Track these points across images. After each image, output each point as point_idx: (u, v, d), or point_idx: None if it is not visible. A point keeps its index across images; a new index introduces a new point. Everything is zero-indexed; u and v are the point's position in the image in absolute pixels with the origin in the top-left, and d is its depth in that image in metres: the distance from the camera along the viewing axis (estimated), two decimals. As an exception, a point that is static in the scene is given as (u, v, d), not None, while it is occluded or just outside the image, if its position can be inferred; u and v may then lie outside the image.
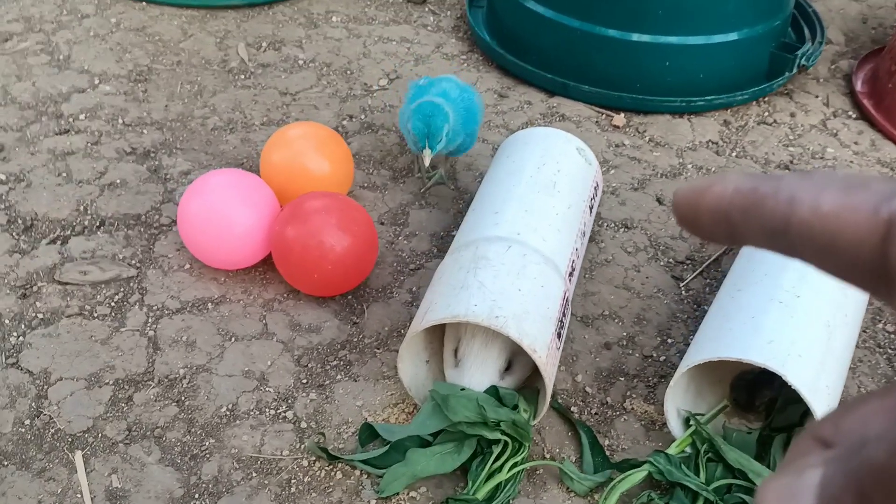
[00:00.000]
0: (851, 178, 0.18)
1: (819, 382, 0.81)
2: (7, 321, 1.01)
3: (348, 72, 1.52)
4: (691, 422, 0.90)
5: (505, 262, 0.88)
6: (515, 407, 0.88)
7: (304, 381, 0.97)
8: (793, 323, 0.85)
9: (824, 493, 0.18)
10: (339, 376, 0.97)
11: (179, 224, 1.05)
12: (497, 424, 0.84)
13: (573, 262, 0.97)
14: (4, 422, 0.90)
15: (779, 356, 0.80)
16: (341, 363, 0.99)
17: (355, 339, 1.02)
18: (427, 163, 1.06)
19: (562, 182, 1.03)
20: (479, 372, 0.88)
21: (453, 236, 1.13)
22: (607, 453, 0.91)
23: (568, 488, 0.88)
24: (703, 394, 0.95)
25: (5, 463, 0.85)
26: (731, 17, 1.46)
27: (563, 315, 0.91)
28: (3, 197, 1.18)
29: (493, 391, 0.88)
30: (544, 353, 0.83)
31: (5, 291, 1.04)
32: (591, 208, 1.06)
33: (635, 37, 1.44)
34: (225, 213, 1.03)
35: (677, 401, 0.91)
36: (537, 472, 0.89)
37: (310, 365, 0.99)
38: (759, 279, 0.92)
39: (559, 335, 0.88)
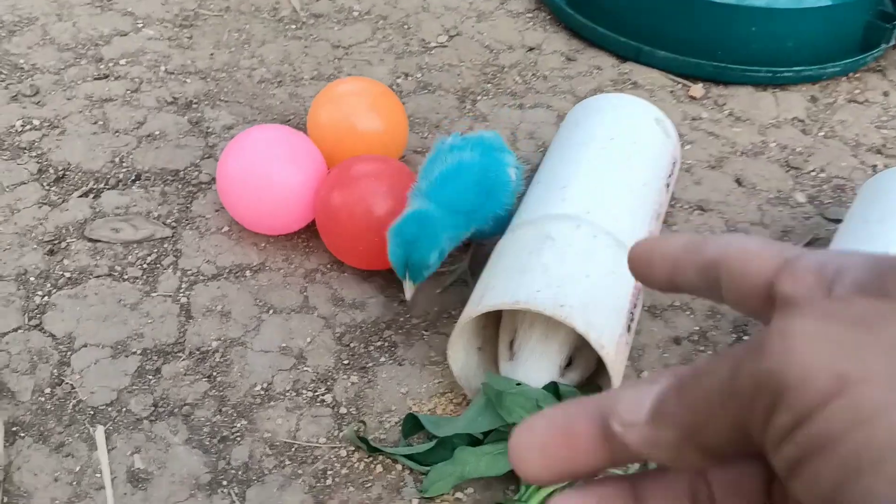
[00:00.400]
0: (768, 239, 0.26)
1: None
2: (32, 279, 0.94)
3: (405, 26, 1.42)
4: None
5: (573, 244, 0.79)
6: (576, 406, 0.79)
7: (346, 361, 0.89)
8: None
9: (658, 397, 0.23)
10: (382, 359, 0.89)
11: (219, 183, 0.98)
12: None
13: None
14: (24, 389, 0.84)
15: None
16: (386, 344, 0.91)
17: (402, 319, 0.93)
18: (409, 296, 0.83)
19: (637, 156, 0.92)
20: (536, 366, 0.79)
21: (513, 212, 1.03)
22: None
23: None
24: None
25: (22, 434, 0.79)
26: (828, -20, 1.32)
27: (634, 306, 0.81)
28: (36, 144, 1.11)
29: (552, 388, 0.79)
30: (612, 348, 0.74)
31: (32, 247, 0.98)
32: (667, 186, 0.95)
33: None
34: (267, 173, 0.95)
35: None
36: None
37: (352, 344, 0.91)
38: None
39: (629, 328, 0.79)
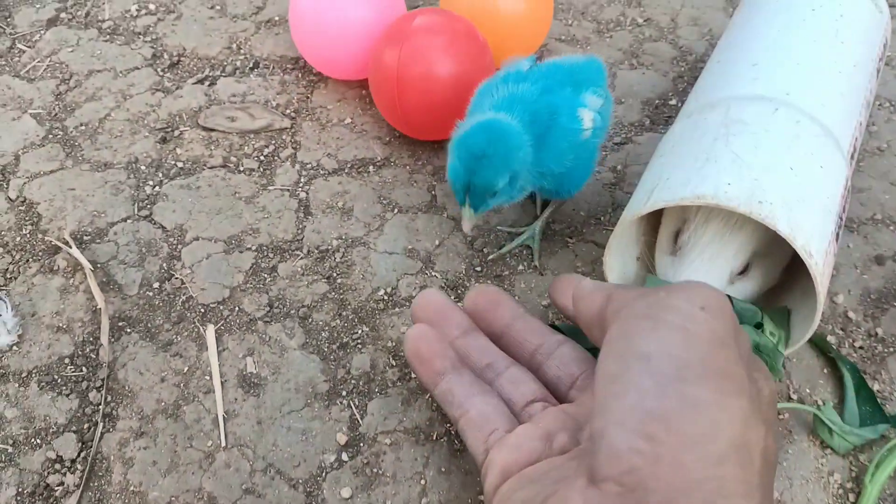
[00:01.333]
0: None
1: None
2: (143, 167, 0.87)
3: None
4: None
5: (770, 130, 0.63)
6: (759, 326, 0.65)
7: (479, 268, 0.78)
8: None
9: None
10: (520, 267, 0.77)
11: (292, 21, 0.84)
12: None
13: (856, 139, 0.70)
14: (131, 282, 0.77)
15: None
16: (524, 251, 0.79)
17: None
18: (467, 228, 0.65)
19: (845, 31, 0.75)
20: (704, 268, 0.64)
21: (674, 106, 0.88)
22: (879, 402, 0.67)
23: (823, 443, 0.65)
24: None
25: (128, 330, 0.72)
26: None
27: (843, 209, 0.65)
28: (151, 29, 1.03)
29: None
30: (821, 258, 0.59)
31: (144, 134, 0.91)
32: (877, 71, 0.77)
33: None
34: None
35: None
36: (781, 418, 0.67)
37: (485, 250, 0.79)
38: None
39: (837, 236, 0.63)
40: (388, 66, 0.81)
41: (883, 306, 0.75)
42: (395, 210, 0.83)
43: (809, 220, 0.59)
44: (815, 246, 0.59)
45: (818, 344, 0.71)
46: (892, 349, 0.72)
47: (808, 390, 0.69)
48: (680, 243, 0.66)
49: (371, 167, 0.87)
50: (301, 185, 0.85)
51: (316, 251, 0.79)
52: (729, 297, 0.65)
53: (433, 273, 0.77)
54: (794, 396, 0.68)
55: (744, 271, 0.67)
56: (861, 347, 0.72)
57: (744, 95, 0.67)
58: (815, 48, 0.72)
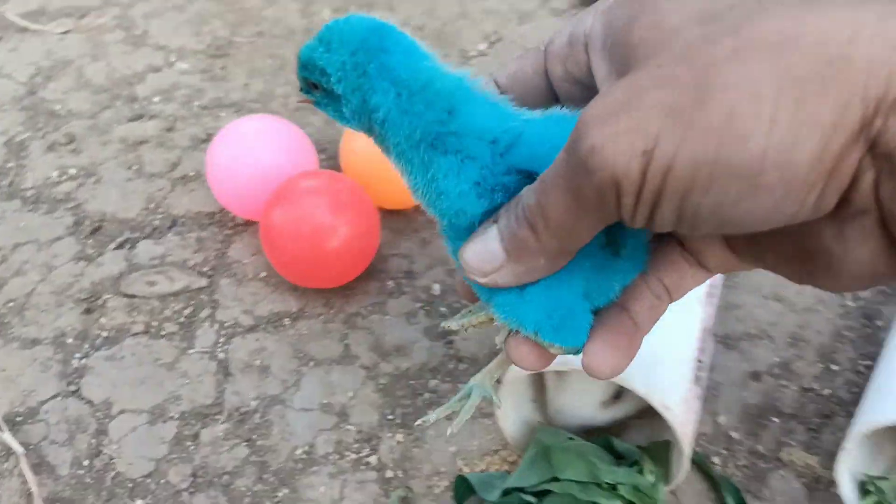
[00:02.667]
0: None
1: None
2: (70, 340, 0.92)
3: (443, 35, 1.35)
4: (870, 487, 0.71)
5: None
6: (635, 464, 0.71)
7: (390, 417, 0.83)
8: None
9: (501, 229, 0.29)
10: (429, 411, 0.83)
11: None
12: (613, 488, 0.68)
13: (713, 278, 0.78)
14: (62, 462, 0.81)
15: None
16: (433, 396, 0.85)
17: (450, 365, 0.87)
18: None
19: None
20: (577, 395, 0.73)
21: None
22: (759, 518, 0.74)
23: (709, 567, 0.71)
24: (883, 446, 0.75)
25: (58, 516, 0.76)
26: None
27: (702, 350, 0.72)
28: (72, 195, 1.09)
29: (605, 442, 0.72)
30: (680, 407, 0.66)
31: (69, 306, 0.95)
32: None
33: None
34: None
35: (849, 461, 0.72)
36: (670, 544, 0.73)
37: (397, 395, 0.85)
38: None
39: (697, 378, 0.70)
40: (275, 225, 0.87)
41: (761, 422, 0.82)
42: (311, 363, 0.88)
43: (665, 375, 0.66)
44: (673, 398, 0.65)
45: (702, 467, 0.78)
46: (771, 465, 0.79)
47: (695, 513, 0.75)
48: (563, 374, 0.73)
49: (287, 320, 0.93)
50: (220, 345, 0.91)
51: (236, 413, 0.84)
52: (609, 437, 0.72)
53: (348, 426, 0.83)
54: (682, 521, 0.74)
55: (617, 397, 0.75)
56: (744, 465, 0.79)
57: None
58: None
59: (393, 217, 1.02)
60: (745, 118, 0.23)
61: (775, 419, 0.82)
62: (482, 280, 0.30)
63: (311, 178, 0.89)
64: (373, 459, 0.80)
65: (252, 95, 1.25)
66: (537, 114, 0.31)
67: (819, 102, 0.22)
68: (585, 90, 0.31)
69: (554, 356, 0.32)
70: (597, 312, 0.32)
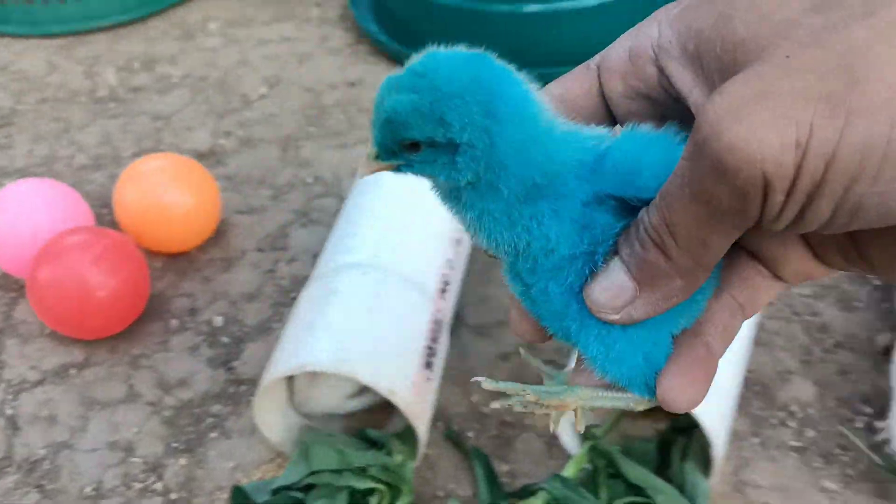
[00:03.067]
0: None
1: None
2: None
3: (225, 84, 1.42)
4: (587, 435, 0.83)
5: (358, 294, 0.80)
6: (384, 447, 0.81)
7: (175, 444, 0.89)
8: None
9: (625, 260, 0.28)
10: (212, 434, 0.90)
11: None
12: (364, 470, 0.77)
13: (445, 275, 0.89)
14: None
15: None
16: (215, 420, 0.91)
17: (231, 390, 0.94)
18: (360, 170, 0.32)
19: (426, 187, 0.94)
20: (328, 389, 0.82)
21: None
22: (507, 480, 0.84)
23: (462, 530, 0.81)
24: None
25: None
26: (620, -28, 1.36)
27: (434, 340, 0.83)
28: None
29: (361, 434, 0.81)
30: (408, 391, 0.75)
31: None
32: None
33: (526, 8, 1.34)
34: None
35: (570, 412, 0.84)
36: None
37: (181, 424, 0.91)
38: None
39: (429, 364, 0.81)
40: (41, 282, 0.92)
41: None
42: (97, 407, 0.93)
43: (392, 364, 0.76)
44: (400, 383, 0.75)
45: (456, 442, 0.88)
46: (518, 431, 0.90)
47: (452, 485, 0.85)
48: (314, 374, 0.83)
49: (73, 370, 0.97)
50: (7, 402, 0.94)
51: (26, 463, 0.88)
52: (364, 429, 0.81)
53: (134, 458, 0.88)
54: (440, 493, 0.84)
55: (362, 392, 0.85)
56: (495, 435, 0.89)
57: (341, 265, 0.84)
58: (399, 209, 0.90)
59: (175, 260, 1.08)
60: None
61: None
62: (614, 317, 0.29)
63: (75, 234, 0.94)
64: (158, 486, 0.85)
65: (36, 160, 1.28)
66: (607, 133, 0.29)
67: None
68: (651, 105, 0.30)
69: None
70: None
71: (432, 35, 1.35)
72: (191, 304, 1.04)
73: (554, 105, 0.29)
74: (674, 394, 0.29)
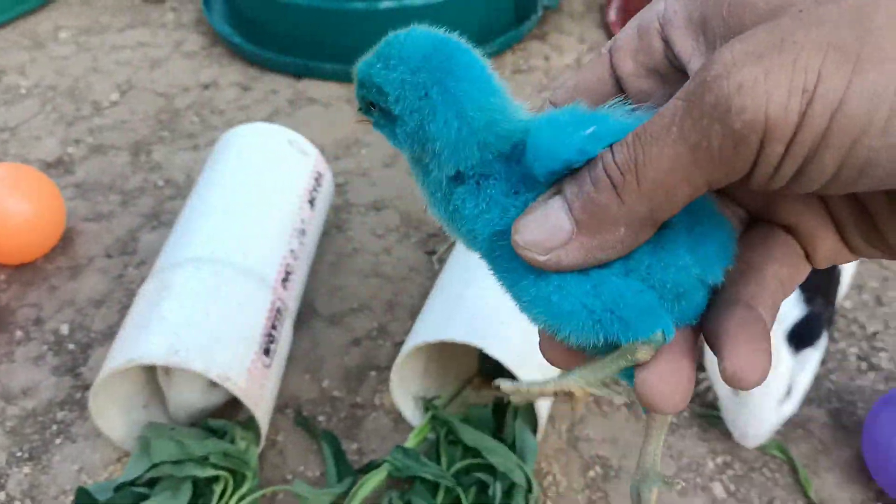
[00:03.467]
0: None
1: (527, 346, 0.78)
2: None
3: (76, 91, 1.40)
4: (427, 406, 0.86)
5: (193, 287, 0.81)
6: (224, 435, 0.82)
7: (19, 454, 0.88)
8: (498, 292, 0.81)
9: (568, 198, 0.26)
10: (57, 441, 0.89)
11: None
12: (206, 459, 0.78)
13: (288, 265, 0.91)
14: None
15: (479, 330, 0.77)
16: (60, 426, 0.90)
17: (77, 395, 0.93)
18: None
19: (267, 182, 0.96)
20: (186, 384, 0.83)
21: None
22: (356, 458, 0.87)
23: (311, 509, 0.83)
24: (450, 371, 0.92)
25: None
26: (462, -32, 1.41)
27: (275, 328, 0.85)
28: None
29: (204, 425, 0.82)
30: (242, 377, 0.77)
31: None
32: (311, 202, 0.99)
33: (381, 5, 1.38)
34: None
35: (413, 388, 0.88)
36: (279, 498, 0.84)
37: (25, 433, 0.89)
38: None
39: (267, 351, 0.82)
40: None
41: (361, 379, 0.96)
42: (-63, 423, 0.90)
43: (227, 353, 0.77)
44: (235, 370, 0.77)
45: (306, 427, 0.90)
46: (367, 412, 0.92)
47: (301, 467, 0.86)
48: (170, 373, 0.82)
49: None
50: None
51: None
52: (206, 420, 0.82)
53: (-24, 472, 0.86)
54: (290, 476, 0.86)
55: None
56: (346, 417, 0.92)
57: (177, 261, 0.85)
58: (238, 205, 0.92)
59: (20, 271, 1.06)
60: None
61: (373, 373, 0.96)
62: (541, 258, 0.26)
63: None
64: (1, 496, 0.84)
65: None
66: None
67: None
68: (660, 81, 0.29)
69: (693, 383, 0.28)
70: (723, 316, 0.28)
71: (287, 35, 1.39)
72: (36, 314, 1.02)
73: (570, 96, 0.30)
74: (747, 370, 0.26)
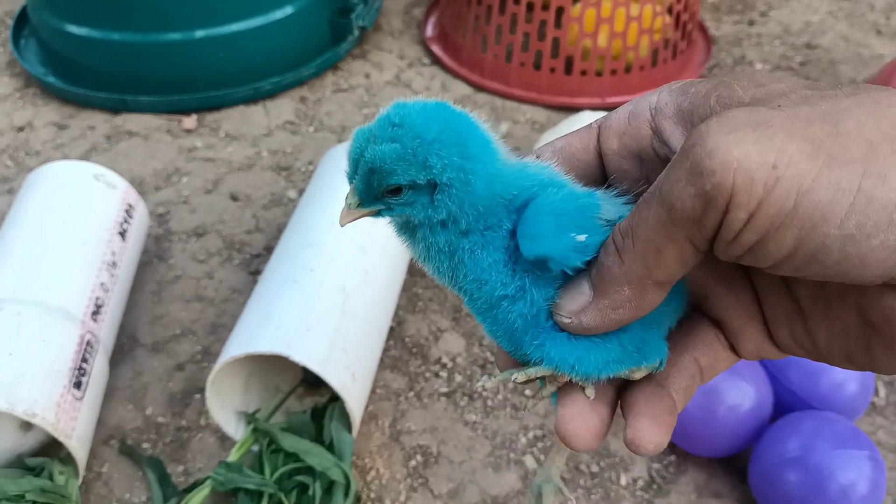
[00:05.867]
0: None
1: (335, 348, 0.83)
2: None
3: None
4: (249, 420, 0.89)
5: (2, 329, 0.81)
6: (42, 472, 0.83)
7: None
8: (303, 299, 0.86)
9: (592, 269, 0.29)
10: None
11: None
12: (22, 497, 0.78)
13: (98, 298, 0.92)
14: None
15: (284, 339, 0.81)
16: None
17: None
18: (342, 220, 0.34)
19: (73, 217, 0.96)
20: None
21: None
22: (182, 479, 0.89)
23: (139, 534, 0.84)
24: (272, 384, 0.95)
25: None
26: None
27: (85, 360, 0.86)
28: None
29: (21, 464, 0.82)
30: (51, 412, 0.78)
31: None
32: (122, 234, 1.01)
33: (196, 34, 1.39)
34: None
35: (234, 403, 0.91)
36: (104, 528, 0.85)
37: None
38: (281, 262, 0.93)
39: (79, 384, 0.83)
40: None
41: (186, 402, 0.97)
42: None
43: (32, 389, 0.78)
44: (43, 405, 0.77)
45: (131, 455, 0.91)
46: (193, 433, 0.94)
47: (127, 495, 0.88)
48: None
49: None
50: None
51: None
52: (22, 458, 0.82)
53: None
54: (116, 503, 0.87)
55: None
56: (171, 441, 0.93)
57: (-17, 304, 0.84)
58: (41, 244, 0.92)
59: None
60: (885, 155, 0.23)
61: (198, 396, 0.98)
62: (566, 321, 0.30)
63: None
64: None
65: None
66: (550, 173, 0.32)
67: None
68: (639, 164, 0.32)
69: (606, 429, 0.32)
70: (636, 391, 0.32)
71: (103, 71, 1.38)
72: None
73: (554, 157, 0.34)
74: (643, 435, 0.30)
